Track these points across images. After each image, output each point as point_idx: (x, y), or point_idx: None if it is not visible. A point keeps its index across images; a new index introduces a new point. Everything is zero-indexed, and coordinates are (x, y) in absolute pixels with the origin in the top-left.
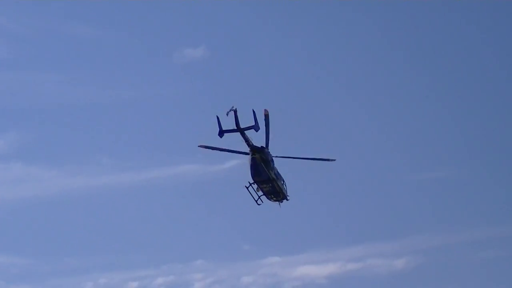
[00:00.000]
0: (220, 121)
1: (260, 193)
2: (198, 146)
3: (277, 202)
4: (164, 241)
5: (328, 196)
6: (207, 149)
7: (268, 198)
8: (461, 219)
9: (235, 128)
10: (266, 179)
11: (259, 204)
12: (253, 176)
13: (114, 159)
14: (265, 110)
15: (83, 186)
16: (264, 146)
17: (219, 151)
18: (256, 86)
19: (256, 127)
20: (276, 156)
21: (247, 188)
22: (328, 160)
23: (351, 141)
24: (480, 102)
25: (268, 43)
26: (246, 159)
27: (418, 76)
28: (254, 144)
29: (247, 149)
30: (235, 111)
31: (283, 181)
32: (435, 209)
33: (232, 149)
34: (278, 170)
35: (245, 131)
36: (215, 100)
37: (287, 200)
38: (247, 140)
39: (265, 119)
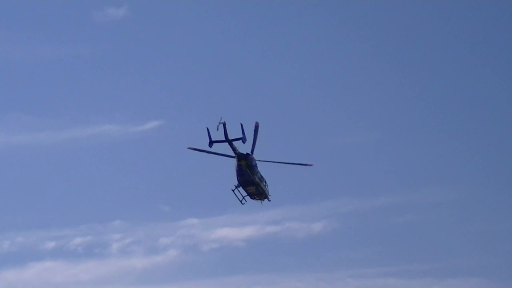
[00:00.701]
0: (210, 132)
1: (245, 193)
2: (188, 148)
3: (260, 201)
4: (82, 201)
5: None
6: (196, 151)
7: (251, 198)
8: (377, 184)
9: (224, 139)
10: (251, 183)
11: (243, 204)
12: (239, 180)
13: (33, 118)
14: (256, 123)
15: (1, 143)
16: (250, 152)
17: (207, 153)
18: (177, 47)
19: (243, 139)
20: (259, 160)
21: (233, 190)
22: (305, 165)
23: (270, 103)
24: (400, 68)
25: (191, 4)
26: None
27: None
28: (240, 152)
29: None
30: (224, 124)
31: (265, 182)
32: (353, 174)
33: (219, 152)
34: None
35: (233, 142)
36: (136, 59)
37: (268, 200)
38: (234, 149)
39: (254, 130)
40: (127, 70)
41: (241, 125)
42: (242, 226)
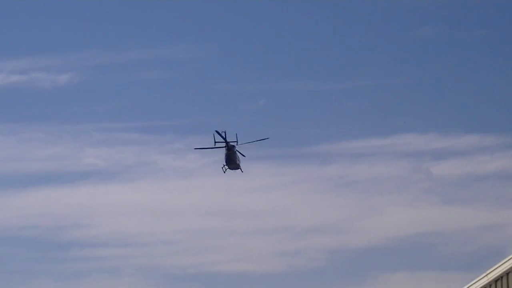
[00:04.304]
0: (215, 137)
1: (226, 167)
2: (195, 148)
3: (234, 171)
4: None
5: None
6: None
7: (230, 169)
8: (127, 38)
9: (224, 141)
10: (234, 164)
11: (224, 172)
12: (226, 162)
13: None
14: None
15: None
16: (235, 144)
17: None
18: None
19: (236, 143)
20: (236, 142)
21: (222, 168)
22: (263, 139)
23: None
24: None
25: None
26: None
27: None
28: (229, 144)
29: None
30: (225, 132)
31: (240, 161)
32: (101, 26)
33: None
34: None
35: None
36: None
37: (242, 171)
38: (226, 144)
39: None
40: None
41: (236, 135)
42: None
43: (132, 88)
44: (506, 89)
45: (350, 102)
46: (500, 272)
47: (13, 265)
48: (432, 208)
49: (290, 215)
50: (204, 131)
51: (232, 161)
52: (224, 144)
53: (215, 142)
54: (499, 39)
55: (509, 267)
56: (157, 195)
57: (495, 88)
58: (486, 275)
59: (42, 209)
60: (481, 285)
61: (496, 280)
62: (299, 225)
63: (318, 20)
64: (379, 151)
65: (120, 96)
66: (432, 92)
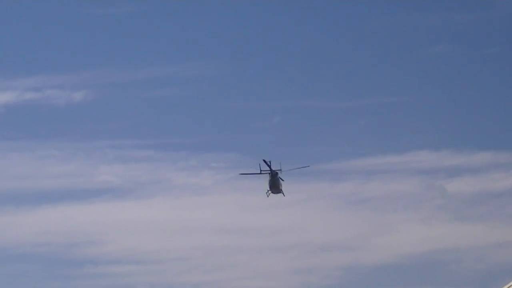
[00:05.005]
0: (261, 165)
1: (270, 192)
2: (239, 174)
3: (276, 194)
4: None
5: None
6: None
7: (273, 193)
8: (140, 55)
9: (269, 169)
10: (277, 189)
11: (268, 196)
12: (270, 187)
13: None
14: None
15: None
16: (278, 172)
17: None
18: None
19: (280, 171)
20: (280, 170)
21: (266, 193)
22: (304, 167)
23: None
24: None
25: None
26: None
27: None
28: (272, 170)
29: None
30: (270, 162)
31: (282, 186)
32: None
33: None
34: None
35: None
36: None
37: (284, 195)
38: (271, 171)
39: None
40: None
41: (280, 163)
42: (1, 91)
43: (146, 106)
44: None
45: (364, 119)
46: None
47: (27, 283)
48: (446, 225)
49: (303, 233)
50: (218, 148)
51: (275, 187)
52: (269, 171)
53: (261, 170)
54: None
55: None
56: (171, 212)
57: (509, 105)
58: None
59: (56, 227)
60: None
61: None
62: (313, 242)
63: (331, 38)
64: (392, 168)
65: (134, 114)
66: (446, 109)
